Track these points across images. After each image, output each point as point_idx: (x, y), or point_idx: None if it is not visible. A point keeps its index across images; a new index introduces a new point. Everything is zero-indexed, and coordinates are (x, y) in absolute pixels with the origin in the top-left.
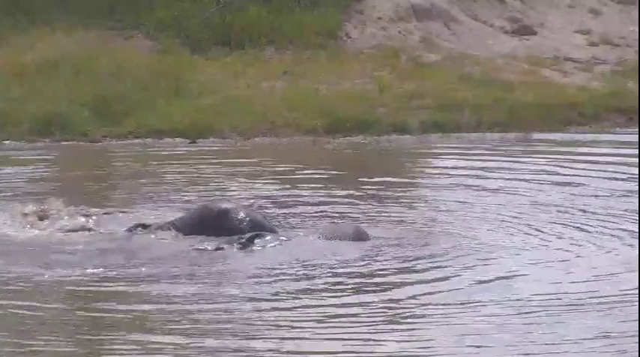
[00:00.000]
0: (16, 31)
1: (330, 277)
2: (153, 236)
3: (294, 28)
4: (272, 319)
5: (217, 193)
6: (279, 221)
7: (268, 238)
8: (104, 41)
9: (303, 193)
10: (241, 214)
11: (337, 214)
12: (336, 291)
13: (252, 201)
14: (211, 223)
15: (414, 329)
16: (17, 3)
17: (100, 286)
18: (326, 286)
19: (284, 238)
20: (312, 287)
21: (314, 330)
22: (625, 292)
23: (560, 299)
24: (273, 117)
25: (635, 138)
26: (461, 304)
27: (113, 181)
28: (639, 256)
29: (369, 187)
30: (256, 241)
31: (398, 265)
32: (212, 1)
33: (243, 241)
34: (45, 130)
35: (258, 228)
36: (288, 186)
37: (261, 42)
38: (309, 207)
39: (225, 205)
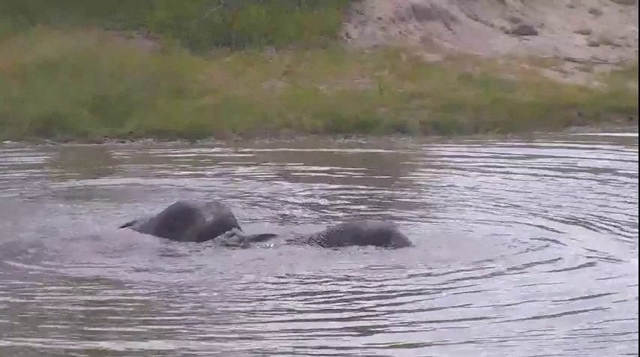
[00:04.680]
0: (15, 31)
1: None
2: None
3: (294, 28)
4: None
5: (216, 193)
6: (281, 221)
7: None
8: (104, 41)
9: (304, 193)
10: (209, 213)
11: (337, 215)
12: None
13: (247, 201)
14: (179, 223)
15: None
16: (17, 3)
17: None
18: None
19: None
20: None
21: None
22: None
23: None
24: (273, 117)
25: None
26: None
27: (113, 181)
28: (639, 257)
29: (370, 187)
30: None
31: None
32: (212, 1)
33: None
34: (45, 131)
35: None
36: (287, 186)
37: (261, 42)
38: (310, 206)
39: (191, 204)
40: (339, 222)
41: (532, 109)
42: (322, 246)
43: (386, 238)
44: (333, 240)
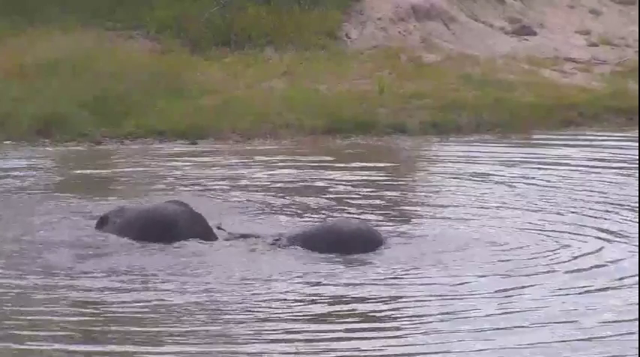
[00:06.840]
0: (15, 32)
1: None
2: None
3: (294, 28)
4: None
5: (215, 193)
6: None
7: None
8: (104, 41)
9: (302, 192)
10: (184, 222)
11: (338, 215)
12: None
13: (242, 200)
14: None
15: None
16: (16, 3)
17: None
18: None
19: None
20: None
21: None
22: None
23: None
24: (273, 117)
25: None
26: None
27: (112, 181)
28: (639, 256)
29: (369, 187)
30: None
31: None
32: (212, 1)
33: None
34: (45, 131)
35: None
36: (286, 186)
37: (261, 42)
38: (309, 206)
39: (167, 212)
40: (319, 223)
41: (532, 109)
42: (303, 247)
43: (366, 239)
44: (314, 240)
